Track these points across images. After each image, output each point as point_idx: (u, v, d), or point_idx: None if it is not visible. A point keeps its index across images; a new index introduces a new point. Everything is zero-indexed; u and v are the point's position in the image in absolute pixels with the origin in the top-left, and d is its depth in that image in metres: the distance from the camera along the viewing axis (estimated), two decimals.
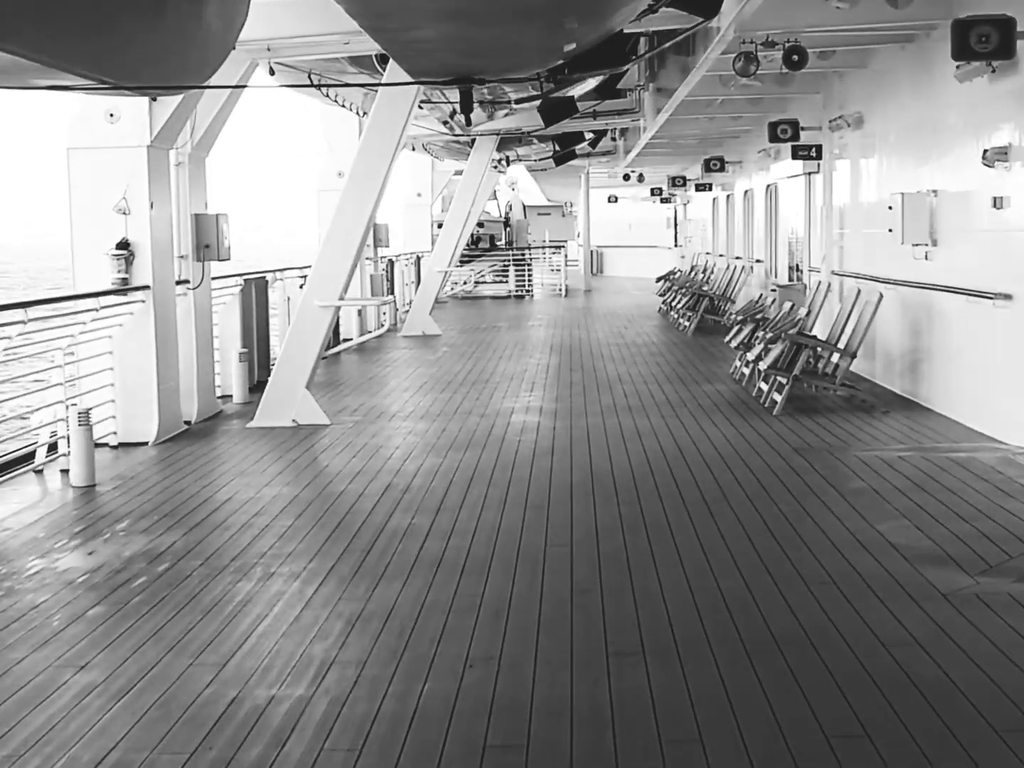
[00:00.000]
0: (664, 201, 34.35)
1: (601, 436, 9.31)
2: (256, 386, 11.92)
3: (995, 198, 8.70)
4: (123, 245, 9.32)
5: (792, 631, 4.75)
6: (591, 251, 35.89)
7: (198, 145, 10.43)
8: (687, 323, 18.90)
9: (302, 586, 5.51)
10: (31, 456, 8.49)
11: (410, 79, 8.86)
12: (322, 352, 10.62)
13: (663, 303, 22.53)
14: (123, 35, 5.39)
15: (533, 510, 6.91)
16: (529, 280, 30.27)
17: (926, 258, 10.38)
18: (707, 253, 27.19)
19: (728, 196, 24.33)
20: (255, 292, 13.03)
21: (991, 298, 8.75)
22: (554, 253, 32.72)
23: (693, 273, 23.81)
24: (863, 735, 3.77)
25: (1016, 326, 8.54)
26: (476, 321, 22.26)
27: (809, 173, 15.32)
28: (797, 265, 17.28)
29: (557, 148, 23.87)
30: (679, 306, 20.19)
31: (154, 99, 9.11)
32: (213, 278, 11.26)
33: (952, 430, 9.29)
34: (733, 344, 12.84)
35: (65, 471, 8.09)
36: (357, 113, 16.11)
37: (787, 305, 12.81)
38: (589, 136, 23.30)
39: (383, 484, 7.70)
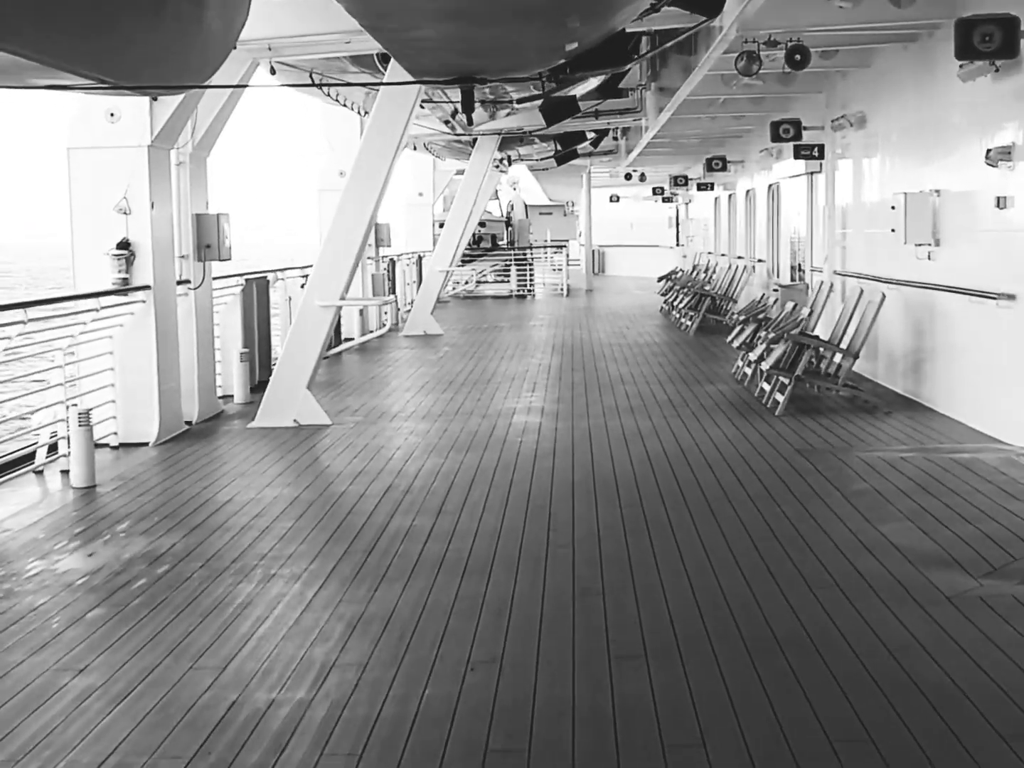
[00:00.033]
0: (666, 201, 34.33)
1: (603, 437, 9.28)
2: (257, 386, 11.90)
3: (998, 198, 8.67)
4: (124, 245, 9.30)
5: (794, 633, 4.72)
6: (593, 251, 35.84)
7: (199, 145, 10.41)
8: (689, 323, 18.87)
9: (303, 588, 5.48)
10: (31, 457, 8.48)
11: (411, 78, 8.83)
12: (323, 352, 10.59)
13: (665, 303, 22.50)
14: (123, 35, 5.37)
15: (534, 511, 6.89)
16: (531, 280, 30.25)
17: (929, 258, 10.35)
18: (709, 253, 27.15)
19: (730, 196, 24.30)
20: (256, 292, 13.01)
21: (994, 298, 8.72)
22: (556, 253, 32.71)
23: (695, 273, 23.78)
24: (866, 739, 3.75)
25: (1019, 326, 8.51)
26: (478, 321, 22.24)
27: (811, 173, 15.29)
28: (799, 265, 17.24)
29: (559, 147, 23.83)
30: (681, 306, 20.16)
31: (155, 99, 9.08)
32: (214, 278, 11.24)
33: (955, 431, 9.26)
34: (735, 344, 12.81)
35: (65, 472, 8.07)
36: (358, 112, 16.09)
37: (789, 305, 12.78)
38: (591, 135, 23.28)
39: (384, 485, 7.68)
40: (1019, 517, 6.48)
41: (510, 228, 32.95)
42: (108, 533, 6.60)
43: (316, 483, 8.04)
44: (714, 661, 4.44)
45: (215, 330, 11.38)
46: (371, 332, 18.66)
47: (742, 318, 13.51)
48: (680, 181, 27.90)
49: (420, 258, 24.36)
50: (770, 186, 19.28)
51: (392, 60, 9.63)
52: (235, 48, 7.17)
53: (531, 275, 30.36)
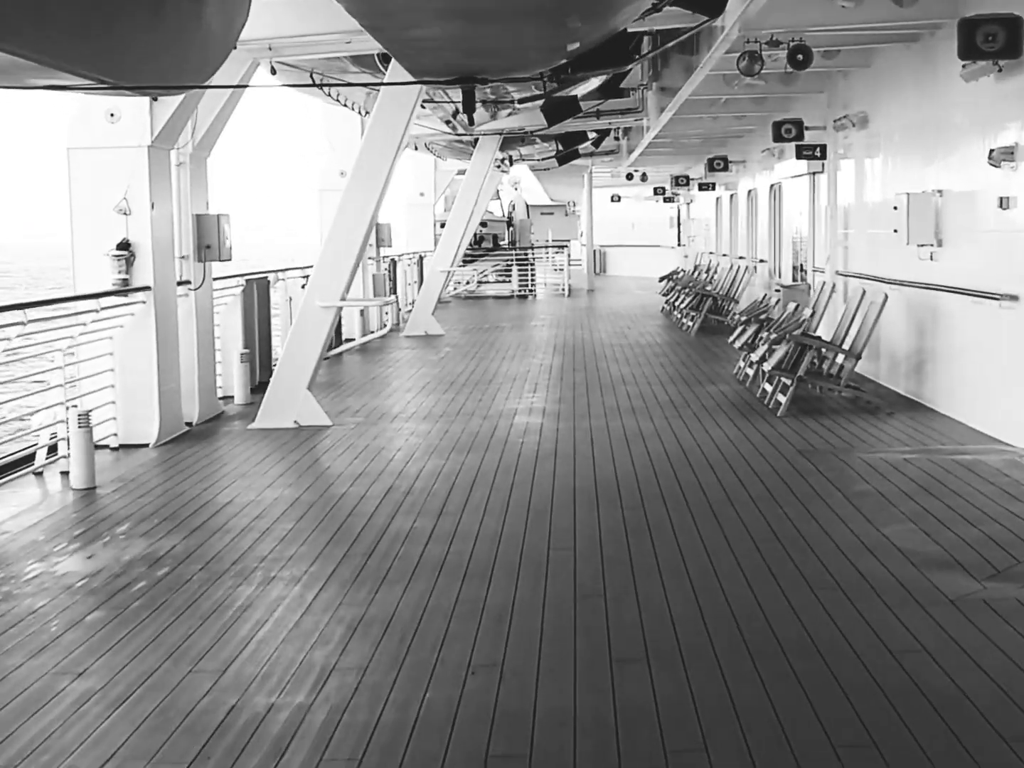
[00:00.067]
0: (667, 200, 34.31)
1: (604, 438, 9.25)
2: (258, 387, 11.88)
3: (1001, 198, 8.64)
4: (124, 246, 9.28)
5: (798, 637, 4.69)
6: (594, 251, 35.82)
7: (199, 145, 10.38)
8: (690, 323, 18.84)
9: (303, 590, 5.46)
10: (31, 458, 8.45)
11: (412, 79, 8.81)
12: (324, 353, 10.57)
13: (666, 303, 22.48)
14: (122, 35, 5.34)
15: (536, 514, 6.86)
16: (532, 280, 30.22)
17: (931, 259, 10.32)
18: (710, 253, 27.13)
19: (732, 196, 24.27)
20: (257, 292, 12.98)
21: (997, 299, 8.69)
22: (557, 253, 32.70)
23: (696, 273, 23.75)
24: (869, 743, 3.72)
25: (1022, 327, 8.48)
26: (479, 321, 22.21)
27: (813, 173, 15.25)
28: (801, 265, 17.21)
29: (560, 147, 23.82)
30: (682, 306, 20.14)
31: (155, 99, 9.06)
32: (214, 278, 11.22)
33: (957, 432, 9.23)
34: (737, 345, 12.78)
35: (65, 473, 8.05)
36: (359, 112, 16.06)
37: (791, 306, 12.75)
38: (592, 135, 23.25)
39: (385, 487, 7.66)
40: (1022, 519, 6.45)
41: (511, 228, 32.94)
42: (108, 535, 6.57)
43: (316, 484, 8.02)
44: (716, 665, 4.41)
45: (215, 331, 11.36)
46: (372, 332, 18.64)
47: (744, 318, 13.48)
48: (681, 181, 27.86)
49: (421, 258, 24.34)
50: (772, 186, 19.25)
51: (393, 60, 9.61)
52: (235, 48, 7.15)
53: (532, 275, 30.33)
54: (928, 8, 9.49)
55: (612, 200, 38.99)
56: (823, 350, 11.02)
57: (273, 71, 10.57)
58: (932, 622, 4.83)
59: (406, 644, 4.72)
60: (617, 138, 25.17)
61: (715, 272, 22.41)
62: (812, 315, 11.98)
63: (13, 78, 5.48)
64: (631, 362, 14.51)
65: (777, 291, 15.89)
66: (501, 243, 31.83)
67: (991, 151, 8.60)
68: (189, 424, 10.16)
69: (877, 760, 3.61)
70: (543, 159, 26.40)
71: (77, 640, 4.86)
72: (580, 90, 15.12)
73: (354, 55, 11.16)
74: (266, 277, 13.59)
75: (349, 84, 12.52)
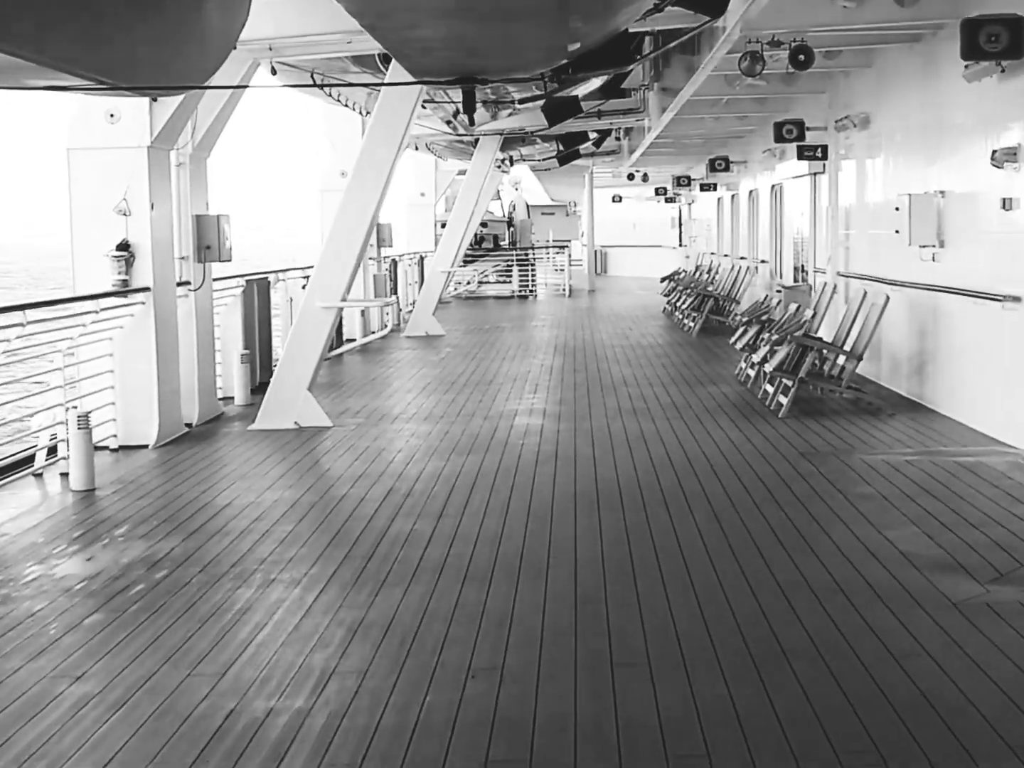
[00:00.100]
0: (668, 201, 34.30)
1: (605, 439, 9.23)
2: (258, 388, 11.85)
3: (1004, 199, 8.61)
4: (123, 246, 9.25)
5: (801, 641, 4.67)
6: (595, 251, 35.79)
7: (199, 145, 10.36)
8: (692, 324, 18.81)
9: (302, 593, 5.43)
10: (30, 459, 8.43)
11: (413, 79, 8.78)
12: (324, 353, 10.54)
13: (667, 303, 22.45)
14: (121, 35, 5.32)
15: (536, 516, 6.83)
16: (533, 280, 30.19)
17: (933, 259, 10.29)
18: (712, 253, 27.10)
19: (733, 196, 24.24)
20: (257, 293, 12.96)
21: (999, 300, 8.66)
22: (558, 253, 32.67)
23: (698, 273, 23.72)
24: (873, 750, 3.69)
25: None
26: (479, 321, 22.19)
27: (815, 173, 15.22)
28: (802, 266, 17.18)
29: (561, 148, 23.79)
30: (683, 307, 20.11)
31: (154, 99, 9.03)
32: (214, 279, 11.19)
33: (960, 433, 9.20)
34: (738, 346, 12.75)
35: (65, 474, 8.02)
36: (360, 113, 16.04)
37: (793, 307, 12.72)
38: (593, 136, 23.23)
39: (385, 488, 7.63)
40: None
41: (512, 228, 32.92)
42: (107, 537, 6.55)
43: (317, 486, 7.99)
44: (718, 669, 4.38)
45: (215, 331, 11.34)
46: (373, 333, 18.62)
47: (745, 319, 13.45)
48: (683, 181, 27.84)
49: (422, 258, 24.32)
50: (773, 187, 19.22)
51: (393, 60, 9.58)
52: (235, 48, 7.12)
53: (533, 275, 30.30)
54: (930, 8, 9.46)
55: (613, 200, 38.97)
56: (824, 351, 10.99)
57: (273, 71, 10.55)
58: (936, 626, 4.80)
59: (406, 647, 4.69)
60: (618, 138, 25.14)
61: (716, 273, 22.37)
62: (813, 316, 11.95)
63: (12, 79, 5.46)
64: (632, 363, 14.49)
65: (778, 292, 15.85)
66: (502, 243, 31.80)
67: (994, 152, 8.58)
68: (189, 425, 10.13)
69: (881, 767, 3.58)
70: (544, 159, 26.37)
71: (75, 643, 4.83)
72: (581, 90, 15.10)
73: (355, 55, 11.14)
74: (266, 278, 13.57)
75: (350, 84, 12.50)
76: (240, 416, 10.84)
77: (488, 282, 30.95)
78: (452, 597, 5.31)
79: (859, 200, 13.38)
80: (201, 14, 6.08)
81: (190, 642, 4.80)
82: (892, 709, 3.99)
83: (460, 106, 14.11)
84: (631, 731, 3.85)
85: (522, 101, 15.15)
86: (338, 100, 14.60)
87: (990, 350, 9.15)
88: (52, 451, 8.41)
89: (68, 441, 7.97)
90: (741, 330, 13.06)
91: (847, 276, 13.56)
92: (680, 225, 35.85)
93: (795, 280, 17.60)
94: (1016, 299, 8.49)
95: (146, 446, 9.21)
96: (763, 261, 20.28)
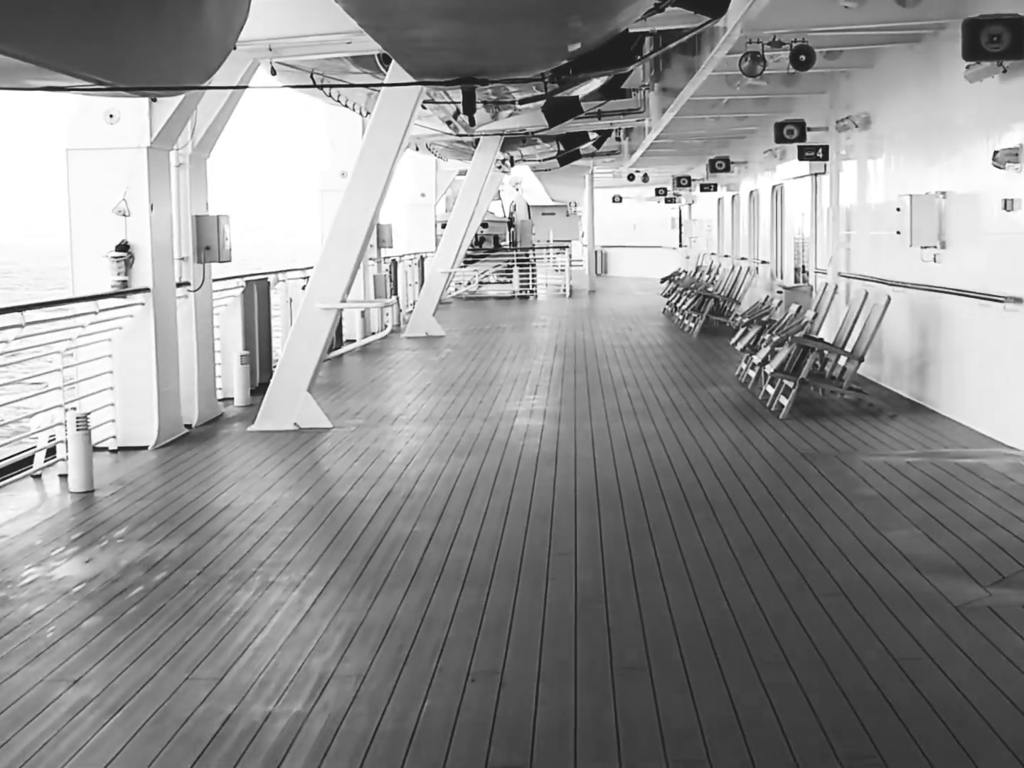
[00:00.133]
0: (669, 201, 34.26)
1: (606, 440, 9.20)
2: (258, 389, 11.83)
3: (1005, 200, 8.59)
4: (123, 247, 9.23)
5: (802, 644, 4.64)
6: (595, 251, 35.77)
7: (199, 146, 10.33)
8: (692, 324, 18.79)
9: (301, 596, 5.41)
10: (29, 460, 8.40)
11: (413, 79, 8.76)
12: (324, 354, 10.52)
13: (668, 304, 22.42)
14: (120, 35, 5.30)
15: (536, 518, 6.81)
16: (533, 280, 30.17)
17: (934, 260, 10.27)
18: (712, 254, 27.08)
19: (733, 197, 24.22)
20: (257, 294, 12.94)
21: (1001, 301, 8.64)
22: (558, 253, 32.64)
23: (698, 274, 23.70)
24: (874, 753, 3.67)
25: None
26: (480, 322, 22.16)
27: (816, 174, 15.20)
28: (803, 267, 17.16)
29: (561, 148, 23.77)
30: (684, 307, 20.09)
31: (154, 100, 9.01)
32: (214, 280, 11.17)
33: (961, 435, 9.18)
34: (739, 346, 12.73)
35: (64, 476, 7.99)
36: (360, 113, 16.02)
37: (793, 307, 12.70)
38: (594, 136, 23.20)
39: (385, 490, 7.61)
40: None
41: (512, 229, 32.88)
42: (106, 539, 6.53)
43: (316, 488, 7.97)
44: (719, 672, 4.36)
45: (215, 332, 11.32)
46: (373, 333, 18.60)
47: (746, 320, 13.43)
48: (683, 182, 27.81)
49: (422, 259, 24.30)
50: (774, 187, 19.20)
51: (393, 61, 9.56)
52: (235, 48, 7.10)
53: (533, 276, 30.28)
54: (932, 8, 9.44)
55: (613, 201, 38.94)
56: (825, 352, 10.96)
57: (273, 72, 10.53)
58: (937, 629, 4.77)
59: (405, 651, 4.67)
60: (619, 139, 25.12)
61: (717, 273, 22.35)
62: (814, 317, 11.93)
63: (11, 79, 5.44)
64: (632, 364, 14.46)
65: (779, 293, 15.84)
66: (502, 244, 31.77)
67: (995, 152, 8.55)
68: (188, 426, 10.11)
69: None
70: (544, 160, 26.35)
71: (73, 646, 4.81)
72: (581, 91, 15.08)
73: (355, 56, 11.12)
74: (266, 278, 13.55)
75: (350, 85, 12.48)
76: (240, 417, 10.82)
77: (488, 283, 30.93)
78: (452, 600, 5.29)
79: (860, 201, 13.36)
80: (201, 14, 6.06)
81: (188, 645, 4.77)
82: (893, 713, 3.96)
83: (460, 107, 14.09)
84: (631, 735, 3.83)
85: (523, 101, 15.13)
86: (338, 100, 14.58)
87: (991, 351, 9.13)
88: (51, 452, 8.38)
89: (67, 442, 7.94)
90: (742, 331, 13.04)
91: (848, 277, 13.54)
92: (680, 226, 35.82)
93: (796, 281, 17.58)
94: (1017, 300, 8.47)
95: (145, 447, 9.19)
96: (764, 262, 20.26)
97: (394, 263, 21.04)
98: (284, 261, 17.23)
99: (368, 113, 15.24)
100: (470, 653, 4.61)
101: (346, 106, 15.32)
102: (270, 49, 10.04)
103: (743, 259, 22.33)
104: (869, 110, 12.68)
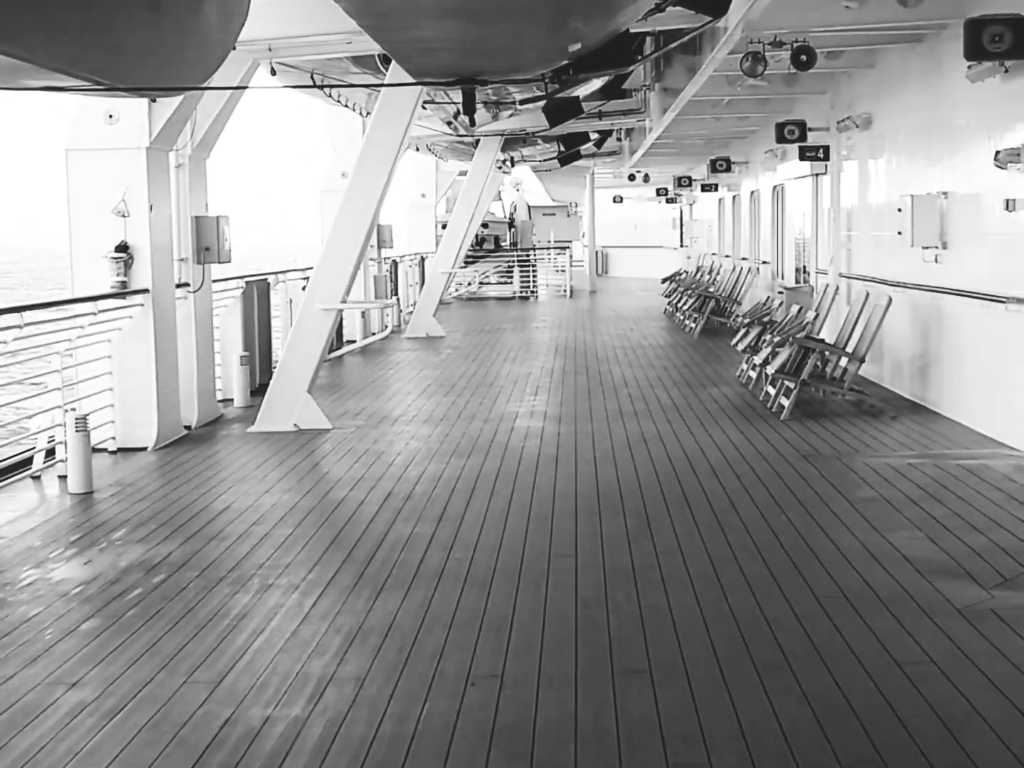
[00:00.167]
0: (670, 201, 34.26)
1: (606, 442, 9.18)
2: (258, 390, 11.80)
3: (1007, 200, 8.56)
4: (122, 248, 9.21)
5: (804, 648, 4.62)
6: (596, 252, 35.74)
7: (199, 146, 10.31)
8: (693, 325, 18.77)
9: (300, 598, 5.38)
10: (28, 462, 8.38)
11: (413, 80, 8.74)
12: (324, 355, 10.50)
13: (668, 304, 22.40)
14: (119, 36, 5.28)
15: (537, 520, 6.78)
16: (534, 281, 30.15)
17: (936, 261, 10.24)
18: (713, 254, 27.05)
19: (734, 197, 24.20)
20: (257, 294, 12.91)
21: (1003, 302, 8.62)
22: (559, 254, 32.61)
23: (699, 274, 23.68)
24: (877, 759, 3.65)
25: None
26: (480, 323, 22.14)
27: (816, 174, 15.18)
28: (804, 267, 17.14)
29: (562, 148, 23.76)
30: (685, 307, 20.06)
31: (153, 100, 8.99)
32: (214, 281, 11.15)
33: (963, 436, 9.15)
34: (740, 347, 12.71)
35: (63, 477, 7.97)
36: (360, 113, 16.00)
37: (794, 308, 12.67)
38: (594, 136, 23.18)
39: (384, 492, 7.58)
40: None
41: (513, 229, 32.86)
42: (104, 541, 6.50)
43: (316, 489, 7.95)
44: (720, 677, 4.33)
45: (215, 333, 11.29)
46: (373, 334, 18.58)
47: (747, 321, 13.41)
48: (684, 182, 27.79)
49: (423, 259, 24.28)
50: (775, 187, 19.17)
51: (394, 61, 9.54)
52: (234, 49, 7.08)
53: (534, 276, 30.25)
54: (933, 8, 9.41)
55: (614, 201, 38.91)
56: (826, 353, 10.94)
57: (273, 72, 10.51)
58: (940, 632, 4.75)
59: (405, 654, 4.64)
60: (619, 139, 25.09)
61: (718, 274, 22.33)
62: (815, 318, 11.90)
63: (10, 79, 5.43)
64: (633, 364, 14.44)
65: (780, 293, 15.82)
66: (503, 244, 31.74)
67: (997, 152, 8.52)
68: (188, 427, 10.09)
69: None
70: (545, 160, 26.34)
71: (71, 649, 4.78)
72: (582, 91, 15.06)
73: (355, 56, 11.10)
74: (266, 279, 13.53)
75: (350, 85, 12.46)
76: (239, 418, 10.80)
77: (489, 283, 30.90)
78: (452, 602, 5.27)
79: (861, 201, 13.33)
80: (200, 14, 6.04)
81: (187, 648, 4.75)
82: (895, 715, 3.94)
83: (460, 107, 14.07)
84: (632, 739, 3.80)
85: (523, 102, 15.12)
86: (338, 101, 14.56)
87: (993, 352, 9.10)
88: (50, 453, 8.36)
89: (66, 443, 7.92)
90: (742, 331, 13.01)
91: (849, 277, 13.51)
92: (681, 226, 35.79)
93: (797, 281, 17.56)
94: (1020, 300, 8.43)
95: (145, 448, 9.16)
96: (765, 262, 20.23)
97: (394, 263, 21.02)
98: (284, 262, 17.21)
99: (368, 113, 15.22)
100: (470, 656, 4.59)
101: (346, 106, 15.30)
102: (270, 49, 10.02)
103: (744, 259, 22.30)
104: (870, 110, 12.66)
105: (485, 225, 30.90)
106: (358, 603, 5.29)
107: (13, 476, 8.15)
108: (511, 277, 30.33)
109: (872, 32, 10.46)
